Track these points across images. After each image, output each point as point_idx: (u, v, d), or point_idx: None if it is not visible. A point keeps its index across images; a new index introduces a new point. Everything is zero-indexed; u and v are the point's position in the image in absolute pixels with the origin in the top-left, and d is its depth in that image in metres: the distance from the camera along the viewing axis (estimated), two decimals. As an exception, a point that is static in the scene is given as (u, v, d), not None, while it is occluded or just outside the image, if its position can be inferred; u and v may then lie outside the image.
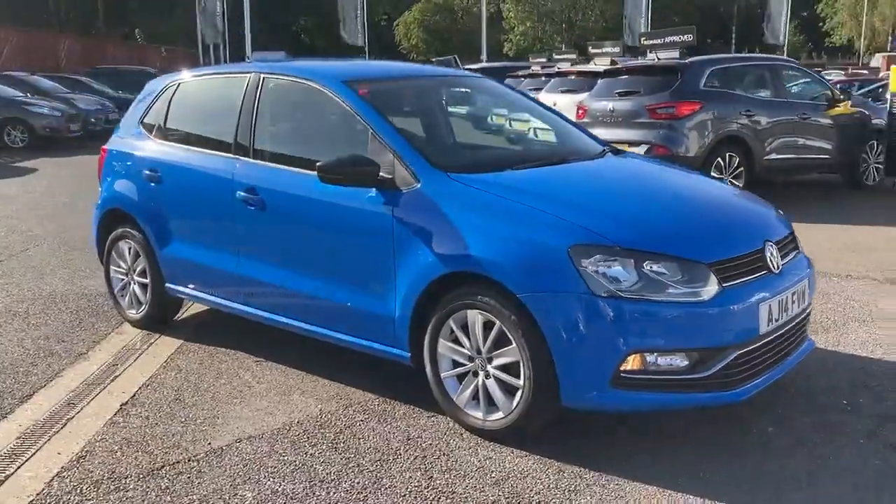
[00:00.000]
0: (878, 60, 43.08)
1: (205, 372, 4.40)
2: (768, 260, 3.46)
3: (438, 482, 3.15)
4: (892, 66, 11.08)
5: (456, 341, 3.55)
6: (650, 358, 3.15)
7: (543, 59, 18.64)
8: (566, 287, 3.16)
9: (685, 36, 9.73)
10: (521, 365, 3.29)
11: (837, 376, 4.14)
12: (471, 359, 3.51)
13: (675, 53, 9.74)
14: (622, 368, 3.13)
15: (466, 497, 3.03)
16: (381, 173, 3.70)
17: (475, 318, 3.43)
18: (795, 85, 10.50)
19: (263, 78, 4.44)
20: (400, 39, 66.28)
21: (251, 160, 4.33)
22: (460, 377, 3.58)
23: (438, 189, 3.59)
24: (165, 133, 4.99)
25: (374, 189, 3.73)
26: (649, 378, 3.17)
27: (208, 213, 4.56)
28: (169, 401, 4.02)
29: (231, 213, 4.36)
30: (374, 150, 3.79)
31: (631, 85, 9.86)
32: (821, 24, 63.72)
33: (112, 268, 5.29)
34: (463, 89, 5.17)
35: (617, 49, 12.89)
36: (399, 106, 4.49)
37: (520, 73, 16.61)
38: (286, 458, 3.39)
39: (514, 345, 3.30)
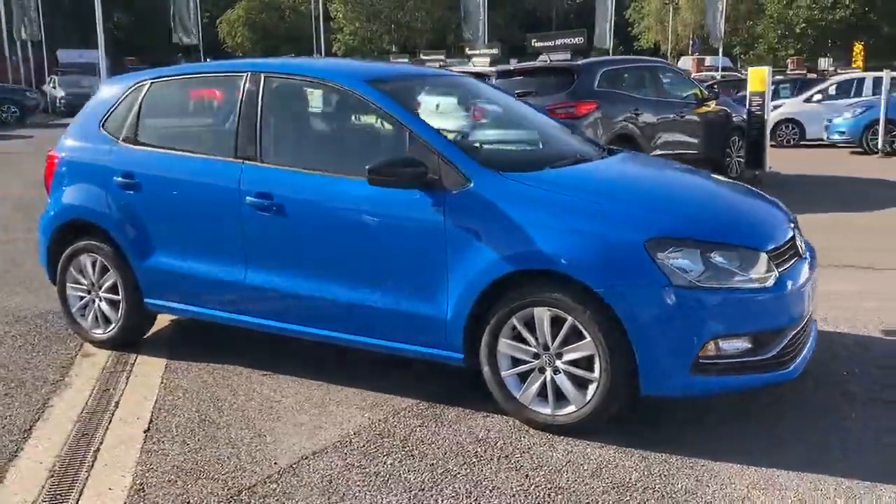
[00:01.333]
0: (685, 63, 46.74)
1: (215, 390, 4.15)
2: (798, 246, 3.75)
3: (537, 479, 3.18)
4: (750, 68, 12.12)
5: (517, 339, 3.58)
6: (723, 343, 3.34)
7: (442, 58, 18.94)
8: (647, 280, 3.28)
9: (576, 38, 10.16)
10: (597, 358, 3.38)
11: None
12: (536, 356, 3.55)
13: (567, 54, 10.14)
14: (701, 355, 3.30)
15: (573, 490, 3.08)
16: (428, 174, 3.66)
17: (542, 314, 3.47)
18: (671, 85, 11.24)
19: (264, 77, 4.23)
20: (224, 37, 64.16)
21: (260, 164, 4.12)
22: (521, 375, 3.61)
23: (493, 188, 3.60)
24: (138, 137, 4.63)
25: (418, 191, 3.67)
26: (722, 362, 3.35)
27: (204, 220, 4.29)
28: (197, 423, 3.77)
29: (237, 220, 4.13)
30: (415, 151, 3.73)
31: (527, 86, 10.16)
32: (629, 28, 68.11)
33: (69, 285, 4.84)
34: (462, 89, 5.15)
35: (495, 51, 13.25)
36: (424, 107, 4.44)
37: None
38: (368, 469, 3.28)
39: (589, 339, 3.38)
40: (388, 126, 3.90)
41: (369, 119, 4.01)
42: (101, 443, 3.60)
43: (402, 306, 3.77)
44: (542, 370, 3.55)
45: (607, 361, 3.35)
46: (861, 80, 18.81)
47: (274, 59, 4.49)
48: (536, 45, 10.62)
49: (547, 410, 3.55)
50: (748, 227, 3.59)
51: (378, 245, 3.81)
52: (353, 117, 4.16)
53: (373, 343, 3.94)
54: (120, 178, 4.52)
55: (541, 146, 4.58)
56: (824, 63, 43.59)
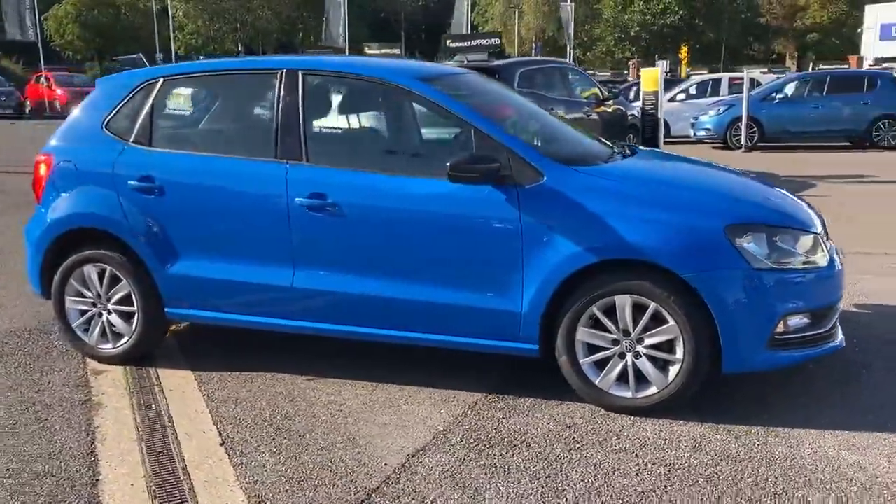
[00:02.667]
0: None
1: (269, 398, 4.03)
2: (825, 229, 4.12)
3: (647, 458, 3.34)
4: (642, 70, 12.85)
5: (595, 327, 3.72)
6: (790, 320, 3.63)
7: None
8: (729, 264, 3.51)
9: (492, 39, 10.42)
10: (681, 340, 3.58)
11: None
12: (615, 342, 3.71)
13: (484, 56, 10.40)
14: (776, 332, 3.57)
15: (687, 465, 3.27)
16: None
17: (624, 302, 3.64)
18: (577, 85, 11.74)
19: (303, 75, 4.13)
20: (51, 35, 60.06)
21: (308, 164, 4.03)
22: (598, 362, 3.75)
23: (566, 182, 3.72)
24: (153, 139, 4.39)
25: (490, 187, 3.74)
26: (789, 338, 3.64)
27: (244, 223, 4.14)
28: (274, 432, 3.66)
29: (284, 222, 4.02)
30: (483, 148, 3.79)
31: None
32: (474, 31, 69.84)
33: (69, 299, 4.52)
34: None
35: (396, 51, 13.38)
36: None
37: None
38: (484, 462, 3.33)
39: (672, 323, 3.57)
40: (454, 124, 3.92)
41: (426, 117, 4.01)
42: (182, 459, 3.41)
43: (475, 302, 3.82)
44: (621, 356, 3.71)
45: (691, 343, 3.56)
46: (718, 81, 20.33)
47: (308, 57, 4.41)
48: (451, 45, 10.82)
49: (628, 394, 3.72)
50: (798, 212, 3.90)
51: (448, 242, 3.83)
52: (411, 115, 4.14)
53: (441, 340, 3.96)
54: (136, 183, 4.27)
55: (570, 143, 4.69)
56: (664, 65, 46.34)
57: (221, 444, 3.55)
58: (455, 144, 3.95)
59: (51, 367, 4.51)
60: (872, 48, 44.72)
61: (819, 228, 3.88)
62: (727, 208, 3.66)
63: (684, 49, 54.15)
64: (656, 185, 3.82)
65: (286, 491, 3.14)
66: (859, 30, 50.89)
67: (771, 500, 3.00)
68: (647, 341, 3.65)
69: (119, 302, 4.44)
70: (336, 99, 4.23)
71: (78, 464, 3.38)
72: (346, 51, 33.41)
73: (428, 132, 4.45)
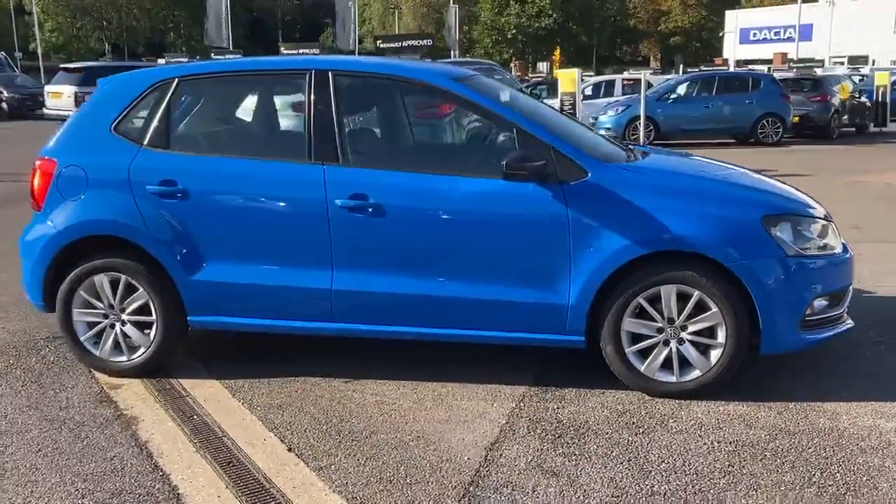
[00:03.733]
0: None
1: (316, 402, 3.99)
2: None
3: (710, 438, 3.55)
4: (559, 71, 13.27)
5: (640, 317, 3.91)
6: (816, 303, 3.93)
7: (183, 60, 18.20)
8: (767, 252, 3.78)
9: (425, 40, 10.52)
10: (723, 326, 3.81)
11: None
12: (659, 330, 3.90)
13: (417, 57, 10.49)
14: (807, 314, 3.87)
15: (748, 442, 3.50)
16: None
17: (669, 291, 3.84)
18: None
19: (333, 76, 4.10)
20: None
21: (345, 166, 4.01)
22: (642, 350, 3.94)
23: (610, 178, 3.88)
24: (170, 141, 4.24)
25: (535, 184, 3.85)
26: (815, 319, 3.95)
27: (278, 227, 4.07)
28: (337, 435, 3.64)
29: (322, 224, 3.99)
30: (526, 146, 3.89)
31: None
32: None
33: (77, 311, 4.30)
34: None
35: (316, 51, 13.30)
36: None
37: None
38: (565, 450, 3.44)
39: (715, 309, 3.80)
40: (488, 123, 4.00)
41: (463, 117, 4.08)
42: (258, 469, 3.35)
43: (522, 297, 3.92)
44: (665, 343, 3.90)
45: (733, 328, 3.79)
46: (612, 82, 21.17)
47: (334, 58, 4.37)
48: (382, 45, 10.78)
49: (672, 378, 3.92)
50: (809, 202, 4.21)
51: (495, 239, 3.91)
52: (451, 116, 4.19)
53: (487, 336, 4.04)
54: (156, 187, 4.12)
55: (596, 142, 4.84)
56: (543, 66, 47.84)
57: (290, 451, 3.50)
58: (496, 144, 4.03)
59: (60, 382, 4.28)
60: (734, 51, 47.82)
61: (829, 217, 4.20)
62: (761, 200, 3.93)
63: (558, 50, 55.93)
64: (691, 179, 4.04)
65: (383, 491, 3.14)
66: (721, 34, 54.26)
67: (838, 467, 3.26)
68: (691, 328, 3.86)
69: (135, 312, 4.26)
70: (370, 100, 4.22)
71: (149, 480, 3.25)
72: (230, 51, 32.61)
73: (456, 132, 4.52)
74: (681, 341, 3.89)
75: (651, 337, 3.92)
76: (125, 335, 4.31)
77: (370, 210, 3.94)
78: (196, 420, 3.82)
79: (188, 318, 4.25)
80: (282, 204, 4.06)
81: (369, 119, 4.28)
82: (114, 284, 4.25)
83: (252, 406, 3.97)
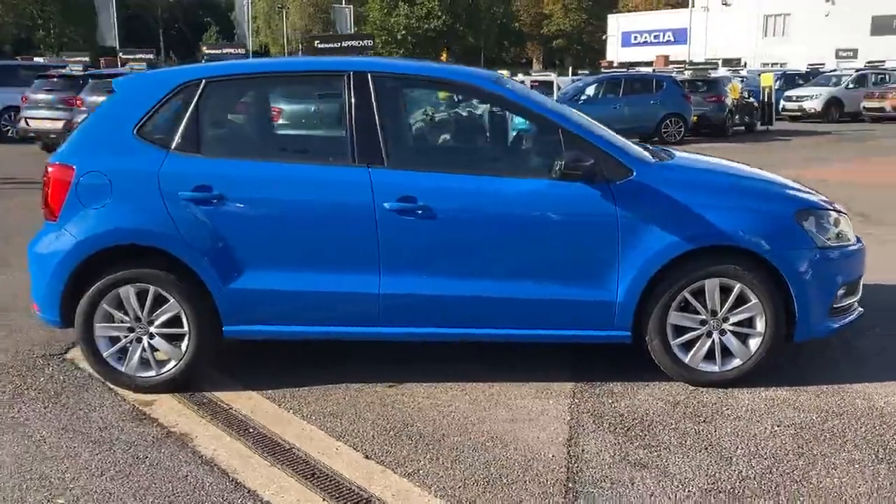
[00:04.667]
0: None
1: (371, 408, 3.94)
2: None
3: (769, 423, 3.73)
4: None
5: (684, 310, 4.06)
6: (839, 291, 4.20)
7: (86, 59, 17.61)
8: (801, 245, 4.00)
9: (365, 41, 10.46)
10: (762, 316, 4.01)
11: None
12: (703, 322, 4.06)
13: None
14: (834, 303, 4.12)
15: (804, 424, 3.70)
16: None
17: (714, 285, 4.01)
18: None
19: (372, 78, 4.05)
20: None
21: (390, 168, 3.97)
22: (685, 343, 4.09)
23: (654, 177, 4.02)
24: (200, 145, 4.08)
25: (583, 184, 3.94)
26: (839, 307, 4.21)
27: (324, 231, 3.98)
28: (408, 440, 3.61)
29: (370, 228, 3.94)
30: (573, 146, 3.96)
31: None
32: (234, 30, 67.81)
33: (99, 325, 4.08)
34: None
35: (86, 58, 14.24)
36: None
37: (52, 72, 17.79)
38: (641, 443, 3.53)
39: (755, 300, 3.99)
40: (540, 125, 4.05)
41: (502, 118, 4.11)
42: (346, 479, 3.28)
43: (572, 295, 4.00)
44: (709, 334, 4.07)
45: (772, 318, 4.00)
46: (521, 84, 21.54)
47: (370, 59, 4.30)
48: (320, 46, 10.61)
49: (715, 368, 4.09)
50: (823, 196, 4.48)
51: (544, 239, 3.97)
52: (491, 117, 4.20)
53: (534, 335, 4.09)
54: (191, 193, 3.96)
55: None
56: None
57: (368, 458, 3.45)
58: (539, 145, 4.09)
59: (85, 402, 4.05)
60: (616, 54, 49.64)
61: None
62: (791, 195, 4.16)
63: (444, 52, 56.44)
64: (725, 176, 4.23)
65: (484, 493, 3.14)
66: (604, 37, 56.20)
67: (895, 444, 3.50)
68: (733, 319, 4.04)
69: (165, 324, 4.08)
70: (410, 102, 4.18)
71: (238, 498, 3.13)
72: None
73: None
74: (722, 332, 4.06)
75: (695, 329, 4.07)
76: (153, 349, 4.11)
77: (419, 212, 3.92)
78: (253, 433, 3.70)
79: (223, 328, 4.09)
80: (326, 208, 3.98)
81: (409, 120, 4.25)
82: (140, 296, 4.05)
83: (304, 416, 3.87)
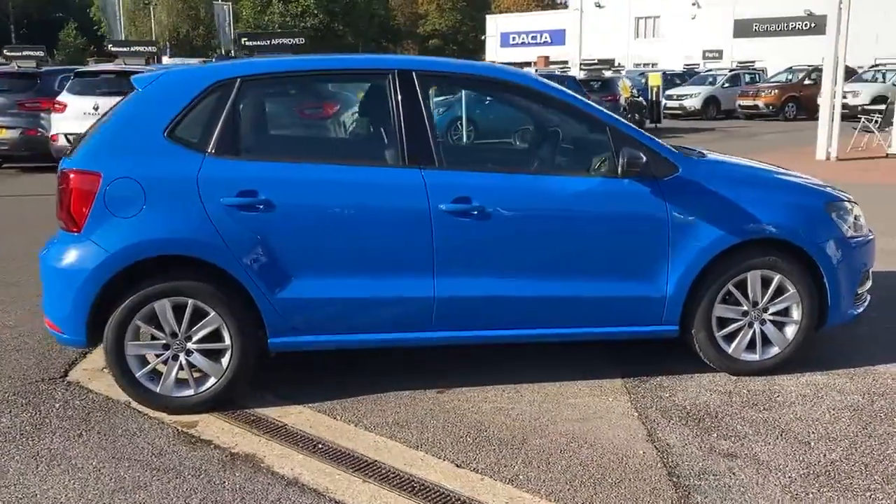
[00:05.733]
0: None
1: (434, 415, 3.84)
2: None
3: (824, 406, 3.89)
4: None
5: (728, 302, 4.18)
6: (861, 278, 4.43)
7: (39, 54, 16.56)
8: (832, 235, 4.20)
9: (295, 39, 10.24)
10: (800, 304, 4.18)
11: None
12: (744, 313, 4.20)
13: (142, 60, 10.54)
14: (857, 289, 4.35)
15: (856, 406, 3.89)
16: None
17: (755, 277, 4.15)
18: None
19: (417, 76, 3.94)
20: None
21: (444, 168, 3.88)
22: (727, 335, 4.21)
23: (698, 172, 4.11)
24: (241, 148, 3.86)
25: (634, 181, 3.99)
26: (859, 293, 4.45)
27: (377, 234, 3.84)
28: (498, 447, 3.54)
29: (426, 230, 3.84)
30: (621, 144, 3.99)
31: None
32: (96, 28, 64.29)
33: (130, 344, 3.79)
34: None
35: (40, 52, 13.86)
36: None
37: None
38: (719, 433, 3.61)
39: (792, 290, 4.17)
40: (588, 123, 4.07)
41: (568, 117, 4.10)
42: (452, 491, 3.18)
43: (623, 292, 4.04)
44: (750, 324, 4.21)
45: (809, 306, 4.18)
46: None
47: (413, 57, 4.18)
48: (249, 44, 10.20)
49: (755, 357, 4.23)
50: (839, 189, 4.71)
51: (598, 236, 3.99)
52: (544, 116, 4.15)
53: (586, 333, 4.11)
54: (235, 199, 3.73)
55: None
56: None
57: (460, 467, 3.35)
58: (586, 143, 4.10)
59: (122, 427, 3.74)
60: (496, 54, 50.48)
61: None
62: (819, 189, 4.35)
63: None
64: (758, 171, 4.37)
65: (596, 494, 3.12)
66: (482, 37, 57.03)
67: (943, 419, 3.73)
68: (772, 309, 4.19)
69: (204, 339, 3.83)
70: (456, 100, 4.09)
71: (352, 517, 2.98)
72: None
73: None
74: (762, 322, 4.21)
75: (737, 320, 4.19)
76: (191, 366, 3.84)
77: (475, 213, 3.86)
78: (324, 449, 3.53)
79: (268, 340, 3.88)
80: (379, 211, 3.84)
81: (455, 120, 4.16)
82: (178, 310, 3.78)
83: (367, 427, 3.73)
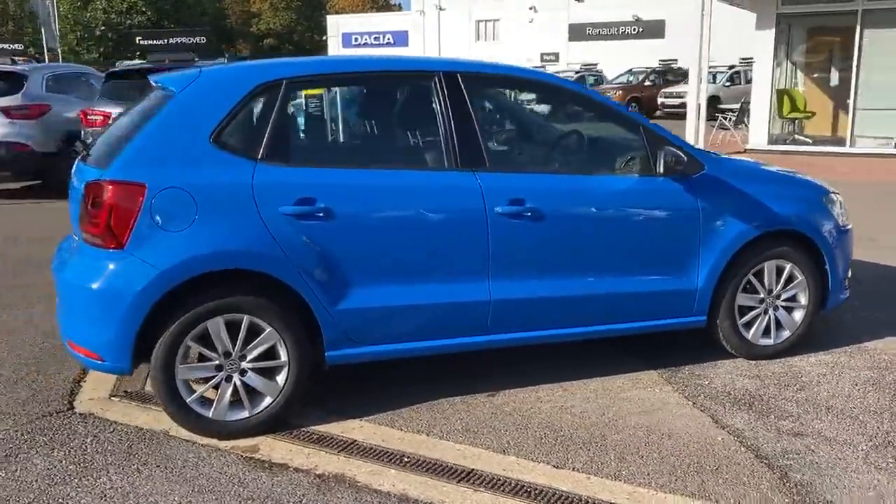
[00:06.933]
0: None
1: (511, 421, 3.81)
2: None
3: (847, 383, 4.21)
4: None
5: (747, 291, 4.44)
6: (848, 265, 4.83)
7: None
8: (832, 224, 4.56)
9: (197, 38, 9.77)
10: (807, 291, 4.51)
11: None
12: (761, 301, 4.48)
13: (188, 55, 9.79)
14: (845, 275, 4.75)
15: (878, 382, 4.23)
16: None
17: (771, 267, 4.43)
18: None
19: (462, 78, 3.90)
20: None
21: (495, 171, 3.88)
22: (746, 323, 4.47)
23: (721, 170, 4.33)
24: (291, 154, 3.67)
25: (668, 179, 4.16)
26: (847, 279, 4.85)
27: (435, 239, 3.77)
28: (557, 447, 3.58)
29: (482, 233, 3.82)
30: (655, 144, 4.15)
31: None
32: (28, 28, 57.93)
33: (182, 367, 3.53)
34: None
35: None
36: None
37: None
38: (772, 417, 3.82)
39: (801, 279, 4.49)
40: (623, 125, 4.18)
41: (606, 119, 4.18)
42: (568, 492, 3.19)
43: (662, 286, 4.20)
44: (765, 311, 4.49)
45: (814, 291, 4.52)
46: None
47: (455, 59, 4.10)
48: (142, 42, 9.48)
49: (770, 342, 4.52)
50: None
51: (641, 233, 4.12)
52: (580, 118, 4.20)
53: (629, 328, 4.23)
54: (293, 208, 3.55)
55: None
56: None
57: (559, 468, 3.36)
58: (620, 143, 4.21)
59: (179, 456, 3.45)
60: (338, 54, 50.03)
61: None
62: (816, 182, 4.70)
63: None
64: (765, 168, 4.66)
65: (705, 481, 3.23)
66: (322, 38, 56.31)
67: (951, 387, 4.15)
68: (784, 295, 4.49)
69: (260, 357, 3.61)
70: (500, 102, 4.08)
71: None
72: None
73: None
74: (776, 308, 4.50)
75: (755, 308, 4.46)
76: (246, 386, 3.61)
77: (528, 215, 3.88)
78: (412, 461, 3.42)
79: (326, 354, 3.71)
80: (437, 216, 3.77)
81: (512, 122, 4.14)
82: (234, 328, 3.54)
83: (441, 435, 3.66)
